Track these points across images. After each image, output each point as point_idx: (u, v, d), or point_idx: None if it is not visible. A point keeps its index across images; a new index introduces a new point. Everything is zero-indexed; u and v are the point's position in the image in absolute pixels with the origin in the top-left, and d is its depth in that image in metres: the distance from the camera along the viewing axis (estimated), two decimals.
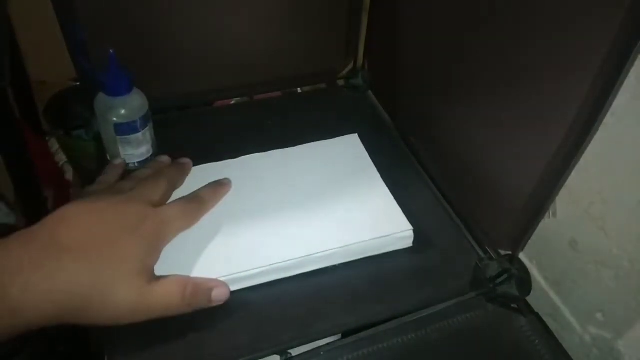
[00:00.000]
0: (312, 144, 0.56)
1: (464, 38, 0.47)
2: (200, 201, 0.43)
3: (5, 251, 0.31)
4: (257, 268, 0.43)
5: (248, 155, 0.53)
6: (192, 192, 0.44)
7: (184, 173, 0.47)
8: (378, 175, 0.53)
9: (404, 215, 0.48)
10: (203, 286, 0.38)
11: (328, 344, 0.41)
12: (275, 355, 0.40)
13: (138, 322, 0.35)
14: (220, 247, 0.44)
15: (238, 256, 0.43)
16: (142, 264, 0.34)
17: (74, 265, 0.32)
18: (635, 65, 0.33)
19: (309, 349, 0.41)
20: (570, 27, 0.35)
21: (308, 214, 0.48)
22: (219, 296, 0.39)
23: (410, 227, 0.47)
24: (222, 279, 0.42)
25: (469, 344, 0.42)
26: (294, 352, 0.40)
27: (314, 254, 0.44)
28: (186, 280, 0.37)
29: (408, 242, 0.47)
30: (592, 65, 0.33)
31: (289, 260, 0.43)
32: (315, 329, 0.42)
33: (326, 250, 0.44)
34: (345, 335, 0.42)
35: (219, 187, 0.47)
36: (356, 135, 0.58)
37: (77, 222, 0.34)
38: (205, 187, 0.45)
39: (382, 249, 0.47)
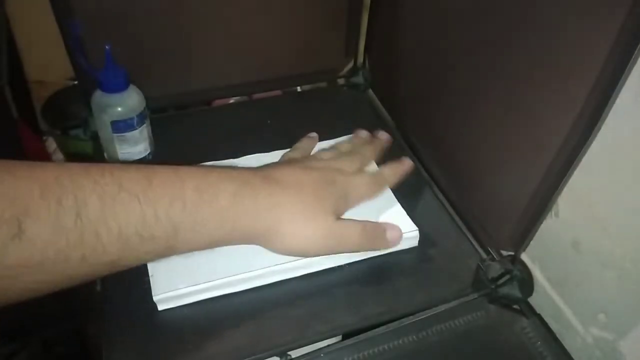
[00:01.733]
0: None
1: (465, 37, 0.47)
2: (383, 178, 0.48)
3: (240, 171, 0.38)
4: (262, 269, 0.42)
5: (249, 155, 0.53)
6: (377, 170, 0.49)
7: (379, 149, 0.51)
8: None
9: (408, 216, 0.47)
10: (379, 227, 0.44)
11: (328, 345, 0.41)
12: (275, 357, 0.40)
13: (324, 253, 0.42)
14: (222, 248, 0.43)
15: (242, 257, 0.43)
16: (334, 208, 0.40)
17: (282, 193, 0.38)
18: (638, 64, 0.33)
19: (309, 350, 0.41)
20: (573, 26, 0.35)
21: None
22: (393, 238, 0.44)
23: (415, 227, 0.47)
24: (225, 280, 0.41)
25: (471, 345, 0.42)
26: (294, 353, 0.40)
27: None
28: (365, 221, 0.43)
29: (413, 243, 0.47)
30: (594, 65, 0.33)
31: (294, 261, 0.43)
32: (315, 331, 0.41)
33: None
34: (345, 336, 0.42)
35: (400, 165, 0.49)
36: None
37: (287, 170, 0.41)
38: (387, 165, 0.49)
39: (386, 249, 0.46)
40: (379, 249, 0.45)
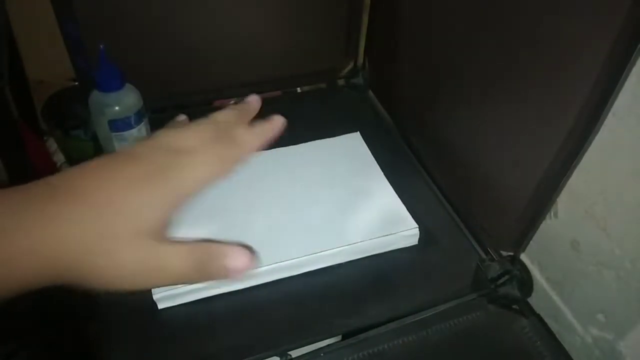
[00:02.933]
0: (314, 142, 0.56)
1: (465, 38, 0.47)
2: (236, 142, 0.33)
3: (10, 193, 0.26)
4: (264, 266, 0.42)
5: None
6: (226, 131, 0.34)
7: (244, 115, 0.37)
8: (381, 172, 0.53)
9: (409, 214, 0.48)
10: (214, 252, 0.30)
11: (328, 345, 0.41)
12: (275, 357, 0.40)
13: (141, 288, 0.29)
14: None
15: None
16: (155, 219, 0.29)
17: (73, 215, 0.27)
18: (637, 66, 0.33)
19: (309, 350, 0.41)
20: (572, 28, 0.35)
21: (313, 212, 0.48)
22: (235, 267, 0.30)
23: (415, 225, 0.47)
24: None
25: (470, 345, 0.42)
26: (294, 353, 0.40)
27: (320, 252, 0.44)
28: (195, 245, 0.30)
29: (413, 240, 0.47)
30: (594, 66, 0.33)
31: (296, 258, 0.43)
32: (315, 330, 0.41)
33: (333, 248, 0.44)
34: (345, 336, 0.42)
35: (265, 124, 0.36)
36: (358, 133, 0.58)
37: (96, 170, 0.29)
38: (245, 125, 0.35)
39: (387, 247, 0.47)
40: (216, 279, 0.31)
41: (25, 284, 0.27)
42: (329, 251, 0.44)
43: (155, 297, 0.40)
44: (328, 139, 0.56)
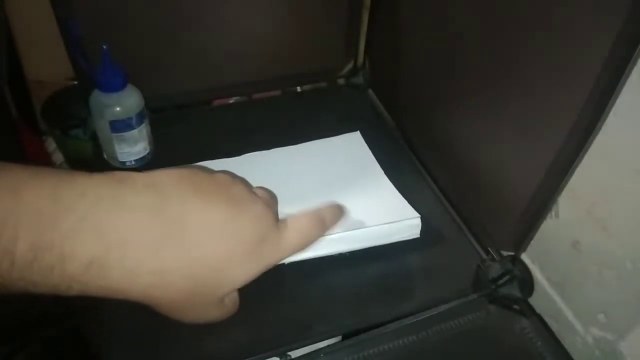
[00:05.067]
0: (314, 141, 0.56)
1: (465, 37, 0.47)
2: (323, 224, 0.36)
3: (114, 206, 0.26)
4: None
5: (250, 153, 0.53)
6: (314, 210, 0.37)
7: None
8: (381, 171, 0.53)
9: (410, 206, 0.47)
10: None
11: (328, 345, 0.41)
12: (275, 357, 0.40)
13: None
14: None
15: None
16: (251, 276, 0.32)
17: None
18: (638, 65, 0.33)
19: (309, 350, 0.41)
20: (573, 27, 0.35)
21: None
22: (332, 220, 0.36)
23: (417, 214, 0.46)
24: None
25: (471, 345, 0.42)
26: (294, 353, 0.40)
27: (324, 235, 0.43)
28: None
29: (416, 231, 0.47)
30: (595, 65, 0.33)
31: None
32: (315, 331, 0.41)
33: (336, 233, 0.43)
34: (345, 337, 0.42)
35: (339, 209, 0.39)
36: (358, 132, 0.58)
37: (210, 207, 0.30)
38: (327, 207, 0.38)
39: (390, 237, 0.46)
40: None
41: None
42: (332, 236, 0.43)
43: None
44: (328, 139, 0.56)
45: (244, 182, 0.33)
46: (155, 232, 0.26)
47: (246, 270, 0.31)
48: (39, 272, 0.24)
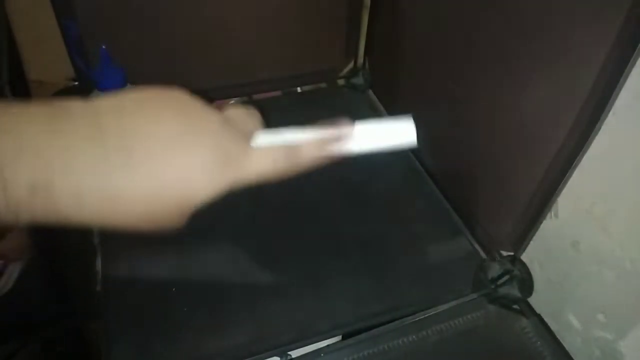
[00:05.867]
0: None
1: (465, 37, 0.47)
2: (298, 158, 0.32)
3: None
4: None
5: None
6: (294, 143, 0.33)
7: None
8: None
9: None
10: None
11: (328, 345, 0.41)
12: (275, 357, 0.40)
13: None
14: None
15: None
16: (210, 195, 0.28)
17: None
18: (637, 65, 0.33)
19: (309, 350, 0.41)
20: (572, 28, 0.35)
21: None
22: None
23: (410, 118, 0.42)
24: None
25: (471, 345, 0.42)
26: (294, 353, 0.40)
27: None
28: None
29: (412, 136, 0.41)
30: (594, 65, 0.33)
31: None
32: (315, 330, 0.41)
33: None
34: (345, 336, 0.42)
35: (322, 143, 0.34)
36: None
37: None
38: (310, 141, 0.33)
39: (385, 141, 0.41)
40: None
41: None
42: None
43: None
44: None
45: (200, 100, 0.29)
46: (99, 152, 0.25)
47: (204, 185, 0.28)
48: None
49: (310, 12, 0.62)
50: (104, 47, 0.47)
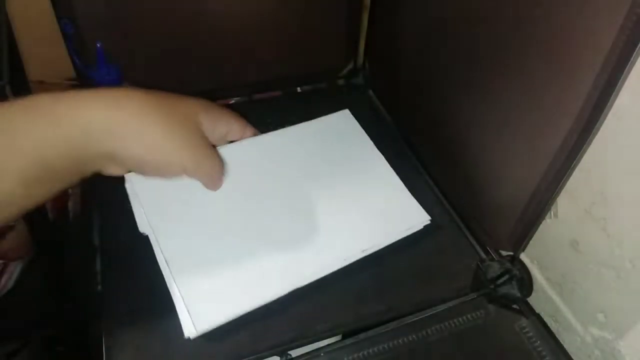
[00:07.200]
0: (303, 123, 0.54)
1: (465, 37, 0.47)
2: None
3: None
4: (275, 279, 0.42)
5: (232, 144, 0.48)
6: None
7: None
8: (378, 152, 0.52)
9: (418, 204, 0.48)
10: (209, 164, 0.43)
11: (328, 344, 0.41)
12: (275, 357, 0.40)
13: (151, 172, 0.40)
14: (237, 270, 0.42)
15: (265, 281, 0.41)
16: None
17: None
18: (637, 65, 0.33)
19: (309, 349, 0.41)
20: (572, 27, 0.35)
21: (317, 214, 0.46)
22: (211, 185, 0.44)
23: (427, 217, 0.48)
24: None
25: (470, 345, 0.42)
26: (294, 353, 0.40)
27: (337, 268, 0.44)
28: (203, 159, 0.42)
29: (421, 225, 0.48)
30: (594, 65, 0.33)
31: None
32: (315, 330, 0.41)
33: (349, 258, 0.44)
34: (345, 336, 0.42)
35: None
36: (347, 110, 0.57)
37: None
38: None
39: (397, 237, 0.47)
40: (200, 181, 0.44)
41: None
42: (347, 261, 0.44)
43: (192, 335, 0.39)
44: (318, 119, 0.54)
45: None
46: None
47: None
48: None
49: (310, 12, 0.62)
50: (99, 45, 0.47)
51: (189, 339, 0.39)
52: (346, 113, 0.57)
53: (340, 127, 0.55)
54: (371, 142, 0.54)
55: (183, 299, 0.39)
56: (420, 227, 0.48)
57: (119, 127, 0.36)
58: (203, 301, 0.40)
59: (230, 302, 0.40)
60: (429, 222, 0.47)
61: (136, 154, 0.37)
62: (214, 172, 0.43)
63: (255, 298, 0.41)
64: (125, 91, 0.37)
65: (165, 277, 0.41)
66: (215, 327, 0.39)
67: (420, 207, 0.49)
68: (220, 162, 0.44)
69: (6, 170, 0.31)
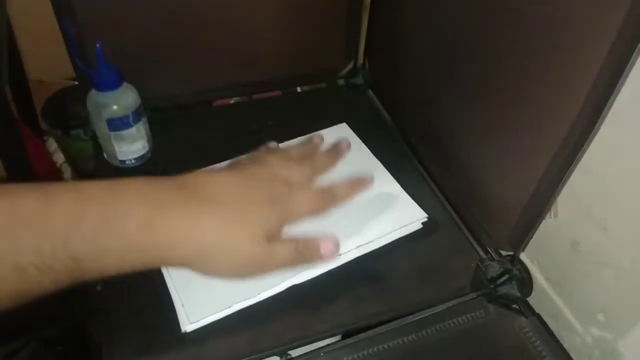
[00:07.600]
0: (299, 138, 0.54)
1: (465, 37, 0.47)
2: (333, 195, 0.41)
3: (156, 187, 0.34)
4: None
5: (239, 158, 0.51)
6: (330, 184, 0.42)
7: (335, 159, 0.44)
8: (380, 164, 0.54)
9: (415, 203, 0.49)
10: (312, 243, 0.39)
11: (328, 344, 0.41)
12: (275, 357, 0.40)
13: (256, 276, 0.37)
14: None
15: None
16: (264, 229, 0.36)
17: (201, 212, 0.35)
18: (637, 65, 0.33)
19: (309, 349, 0.41)
20: (573, 27, 0.35)
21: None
22: (327, 251, 0.39)
23: (424, 215, 0.48)
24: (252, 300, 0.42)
25: (470, 344, 0.42)
26: (294, 353, 0.40)
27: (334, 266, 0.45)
28: (297, 239, 0.39)
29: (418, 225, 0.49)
30: (594, 65, 0.33)
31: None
32: (315, 330, 0.41)
33: (344, 255, 0.45)
34: (345, 336, 0.42)
35: (357, 183, 0.43)
36: (344, 124, 0.58)
37: (220, 181, 0.37)
38: (342, 181, 0.42)
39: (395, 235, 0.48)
40: (313, 264, 0.41)
41: (161, 264, 0.36)
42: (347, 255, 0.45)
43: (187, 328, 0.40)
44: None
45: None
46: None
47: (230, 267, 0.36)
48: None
49: (310, 12, 0.62)
50: (98, 45, 0.47)
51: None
52: (343, 126, 0.58)
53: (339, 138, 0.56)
54: (368, 151, 0.55)
55: (178, 293, 0.41)
56: (418, 225, 0.49)
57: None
58: (198, 295, 0.41)
59: (226, 297, 0.41)
60: (426, 219, 0.48)
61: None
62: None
63: (252, 294, 0.42)
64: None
65: (163, 274, 0.42)
66: (210, 321, 0.40)
67: (417, 205, 0.50)
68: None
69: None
